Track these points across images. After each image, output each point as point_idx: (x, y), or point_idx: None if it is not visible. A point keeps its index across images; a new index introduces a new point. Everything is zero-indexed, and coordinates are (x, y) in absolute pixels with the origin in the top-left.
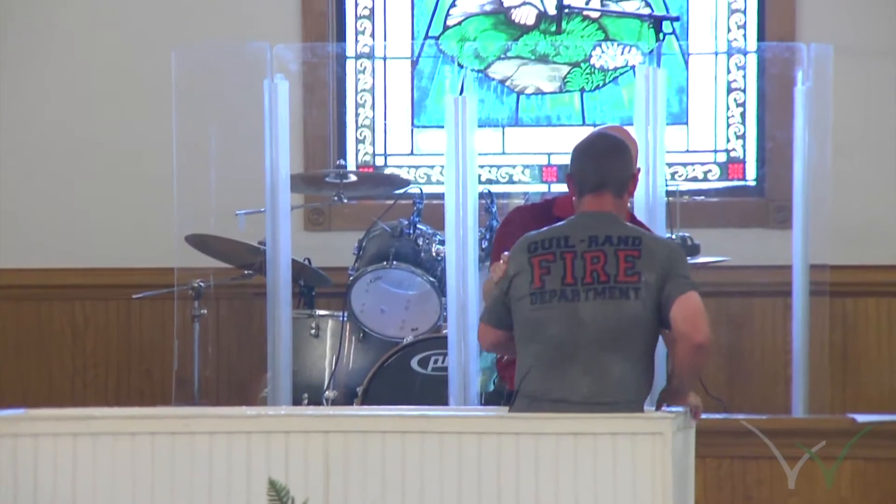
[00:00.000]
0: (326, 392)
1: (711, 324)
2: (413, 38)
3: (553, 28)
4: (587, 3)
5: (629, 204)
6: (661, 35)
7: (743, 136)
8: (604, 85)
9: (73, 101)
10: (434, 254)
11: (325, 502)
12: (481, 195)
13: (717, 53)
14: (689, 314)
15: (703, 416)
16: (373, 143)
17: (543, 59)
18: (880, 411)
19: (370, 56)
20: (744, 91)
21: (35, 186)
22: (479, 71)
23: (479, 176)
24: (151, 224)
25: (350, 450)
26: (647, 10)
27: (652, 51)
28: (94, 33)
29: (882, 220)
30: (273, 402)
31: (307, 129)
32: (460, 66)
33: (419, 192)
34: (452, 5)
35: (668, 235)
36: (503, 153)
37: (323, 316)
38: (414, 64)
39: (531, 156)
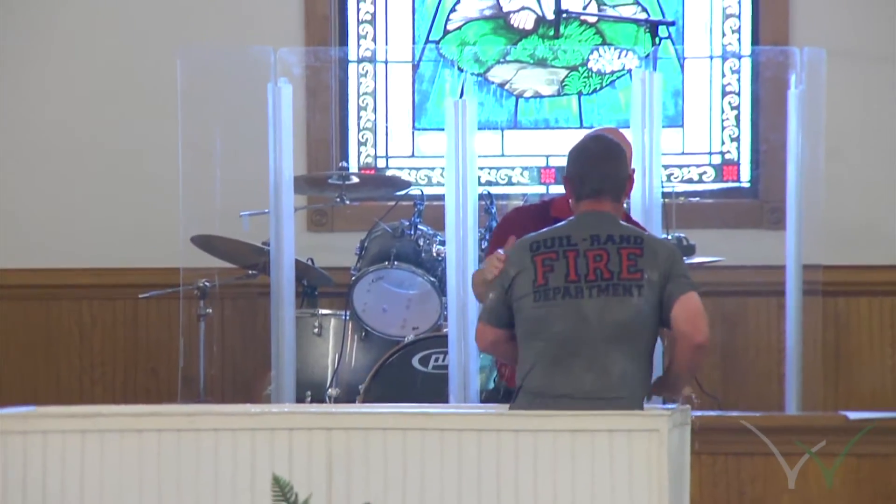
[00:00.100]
0: (329, 390)
1: None
2: (414, 43)
3: (551, 32)
4: (585, 8)
5: (626, 205)
6: (657, 39)
7: (737, 139)
8: (601, 88)
9: (81, 105)
10: (434, 254)
11: (327, 498)
12: (481, 196)
13: (711, 57)
14: (690, 315)
15: (699, 413)
16: (374, 146)
17: (542, 62)
18: (872, 408)
19: (372, 60)
20: (738, 94)
21: (43, 188)
22: (478, 75)
23: (479, 178)
24: (157, 225)
25: (352, 446)
26: (643, 15)
27: (648, 55)
28: (100, 37)
29: (874, 221)
30: (277, 400)
31: (310, 131)
32: (460, 69)
33: (420, 193)
34: (452, 10)
35: (664, 236)
36: (502, 155)
37: (326, 315)
38: (415, 68)
39: (530, 158)
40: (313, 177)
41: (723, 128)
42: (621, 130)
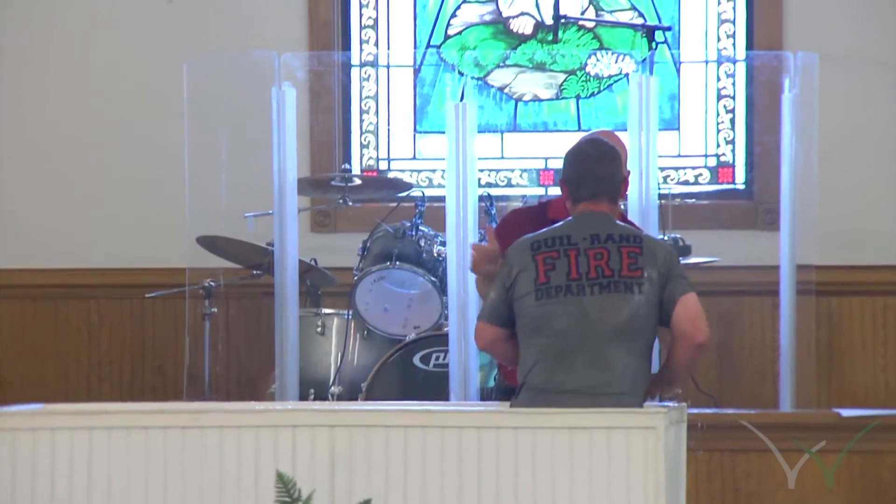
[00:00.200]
0: (332, 388)
1: None
2: (415, 47)
3: (550, 37)
4: (583, 14)
5: (622, 206)
6: (653, 44)
7: (732, 142)
8: (599, 92)
9: (90, 110)
10: (435, 254)
11: (330, 494)
12: (481, 198)
13: (707, 62)
14: (691, 315)
15: (695, 410)
16: (376, 148)
17: (541, 67)
18: (864, 406)
19: (374, 64)
20: (733, 98)
21: (52, 192)
22: (478, 79)
23: (479, 179)
24: (164, 226)
25: (355, 443)
26: (640, 21)
27: (645, 59)
28: (107, 43)
29: (867, 223)
30: (280, 398)
31: (313, 134)
32: (461, 73)
33: (421, 195)
34: (453, 15)
35: (661, 237)
36: (502, 158)
37: (329, 314)
38: (416, 72)
39: (529, 160)
40: (317, 179)
41: (718, 131)
42: (618, 133)
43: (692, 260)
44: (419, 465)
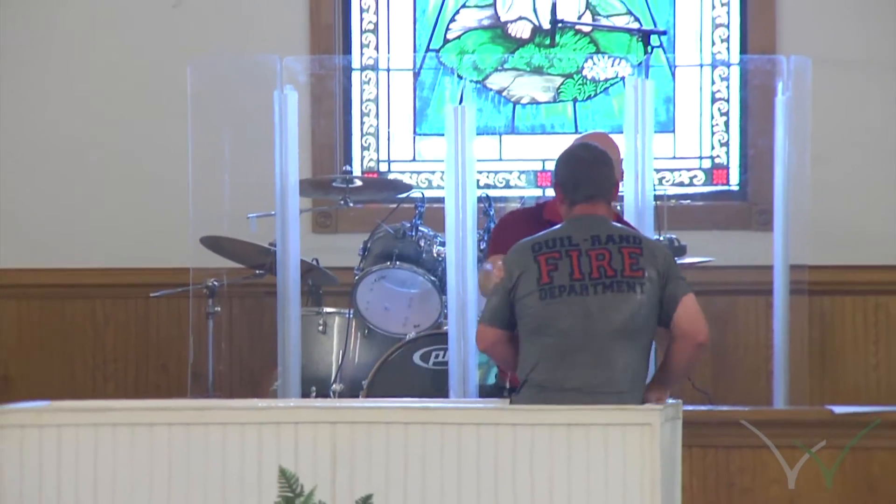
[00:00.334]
0: (333, 385)
1: None
2: (415, 51)
3: (547, 41)
4: (579, 18)
5: (618, 207)
6: (649, 48)
7: (726, 144)
8: (595, 95)
9: (95, 113)
10: (435, 254)
11: (332, 489)
12: (480, 199)
13: (702, 65)
14: (692, 315)
15: (690, 407)
16: (377, 150)
17: (538, 70)
18: (856, 403)
19: (374, 68)
20: (727, 101)
21: (59, 193)
22: (477, 82)
23: (478, 181)
24: (168, 227)
25: (356, 439)
26: (635, 25)
27: (640, 63)
28: (112, 46)
29: (859, 223)
30: (283, 395)
31: (315, 136)
32: (459, 77)
33: (421, 196)
34: (452, 20)
35: (657, 237)
36: (500, 160)
37: (330, 313)
38: (416, 75)
39: (527, 162)
40: (318, 180)
41: (712, 133)
42: (614, 135)
43: (687, 260)
44: (419, 460)
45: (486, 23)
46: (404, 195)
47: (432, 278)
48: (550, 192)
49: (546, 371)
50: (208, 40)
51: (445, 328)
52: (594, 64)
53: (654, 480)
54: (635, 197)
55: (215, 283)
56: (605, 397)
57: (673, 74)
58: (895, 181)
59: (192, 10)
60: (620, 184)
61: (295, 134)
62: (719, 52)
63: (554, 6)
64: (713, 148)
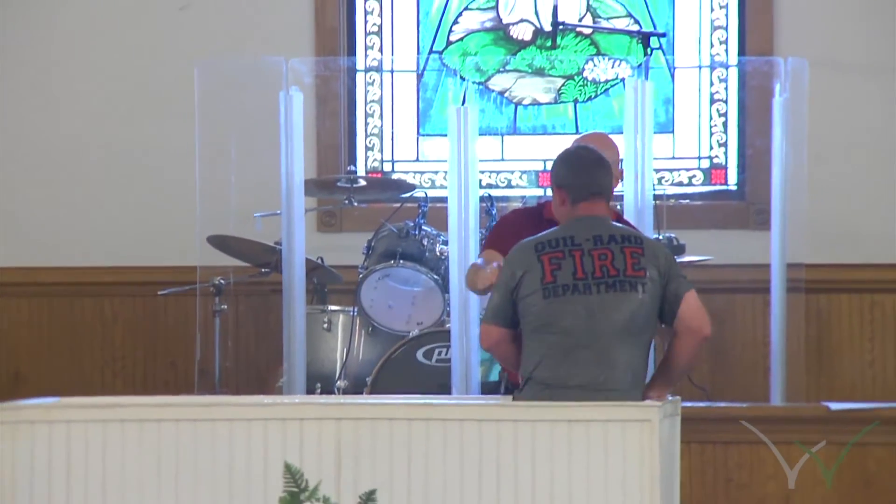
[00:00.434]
0: (338, 382)
1: None
2: (418, 53)
3: (549, 43)
4: (580, 21)
5: (618, 207)
6: (648, 50)
7: (725, 144)
8: (596, 96)
9: (104, 115)
10: (438, 253)
11: (336, 484)
12: (482, 199)
13: (700, 67)
14: (696, 311)
15: (688, 404)
16: (381, 151)
17: (540, 72)
18: (852, 400)
19: (378, 69)
20: (726, 102)
21: (68, 193)
22: (479, 83)
23: (480, 181)
24: (175, 226)
25: (360, 435)
26: (635, 27)
27: (640, 64)
28: (121, 50)
29: (855, 222)
30: (288, 392)
31: (320, 137)
32: (462, 78)
33: (424, 195)
34: (455, 22)
35: (656, 236)
36: (502, 160)
37: (335, 311)
38: (419, 77)
39: (528, 162)
40: (323, 180)
41: (711, 134)
42: (614, 136)
43: (686, 258)
44: (422, 456)
45: (488, 25)
46: (408, 195)
47: (435, 277)
48: (551, 192)
49: (549, 368)
50: (215, 43)
51: (448, 326)
52: (595, 65)
53: (654, 476)
54: (635, 196)
55: (222, 281)
56: (608, 394)
57: (672, 76)
58: (891, 181)
59: (199, 13)
60: (620, 183)
61: (300, 134)
62: (718, 54)
63: (555, 9)
64: (712, 148)
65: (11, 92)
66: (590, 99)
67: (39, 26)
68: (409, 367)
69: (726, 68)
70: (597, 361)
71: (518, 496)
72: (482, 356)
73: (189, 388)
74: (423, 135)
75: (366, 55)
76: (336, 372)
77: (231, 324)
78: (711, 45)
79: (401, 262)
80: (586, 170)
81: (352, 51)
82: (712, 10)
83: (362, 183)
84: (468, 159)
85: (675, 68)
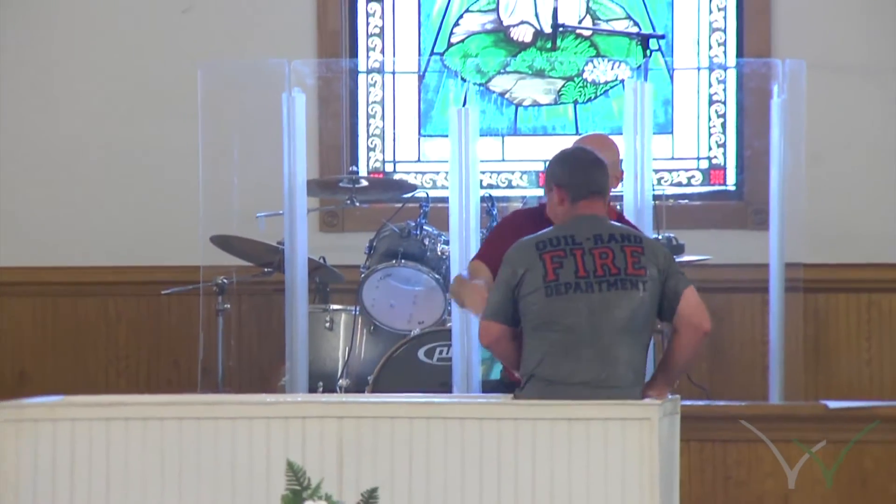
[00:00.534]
0: (340, 380)
1: None
2: (420, 55)
3: (549, 45)
4: (580, 23)
5: (619, 207)
6: (648, 51)
7: (723, 145)
8: (595, 97)
9: (109, 116)
10: (439, 253)
11: (338, 482)
12: (483, 199)
13: (699, 68)
14: (696, 307)
15: (688, 402)
16: (382, 151)
17: (540, 73)
18: (849, 398)
19: (380, 71)
20: (724, 103)
21: (73, 193)
22: (480, 84)
23: (481, 181)
24: (179, 226)
25: (362, 434)
26: (635, 29)
27: (640, 66)
28: (125, 52)
29: (852, 222)
30: (291, 390)
31: (322, 138)
32: (463, 80)
33: (425, 196)
34: (456, 24)
35: (655, 236)
36: (503, 160)
37: (337, 310)
38: (420, 78)
39: (529, 163)
40: (325, 180)
41: (710, 134)
42: (614, 137)
43: (685, 258)
44: (424, 454)
45: (489, 27)
46: (409, 195)
47: (436, 276)
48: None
49: (552, 366)
50: (217, 44)
51: (449, 325)
52: (594, 67)
53: (653, 474)
54: (634, 196)
55: (225, 280)
56: (610, 391)
57: (671, 77)
58: (889, 181)
59: (202, 15)
60: (620, 183)
61: (303, 135)
62: (716, 56)
63: (555, 11)
64: (710, 149)
65: (12, 92)
66: (590, 100)
67: (39, 26)
68: (410, 365)
69: (725, 70)
70: (599, 359)
71: (519, 494)
72: (483, 355)
73: (192, 386)
74: (425, 136)
75: (367, 57)
76: (338, 371)
77: (234, 323)
78: (710, 47)
79: (402, 261)
80: (585, 169)
81: (354, 53)
82: (711, 12)
83: (364, 183)
84: (469, 160)
85: (674, 70)
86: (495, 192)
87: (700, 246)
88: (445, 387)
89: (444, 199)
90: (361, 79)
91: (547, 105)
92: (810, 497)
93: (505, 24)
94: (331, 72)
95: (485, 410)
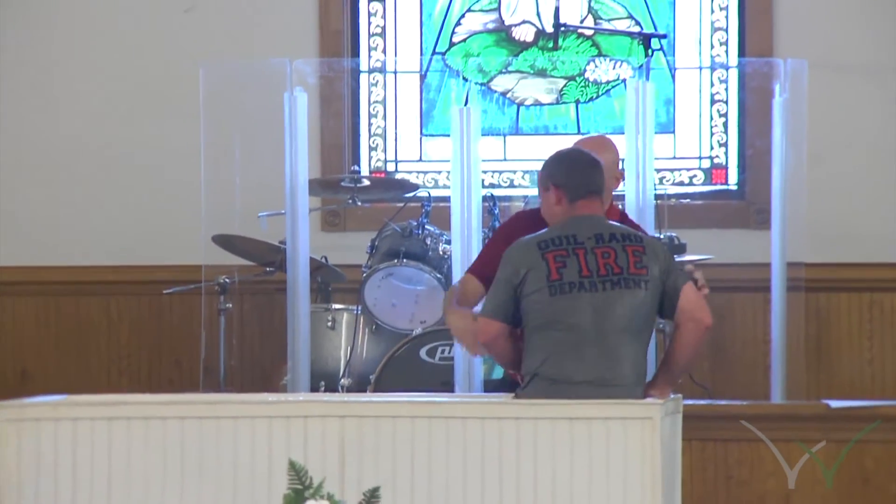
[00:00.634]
0: (342, 380)
1: None
2: (421, 54)
3: (550, 45)
4: (582, 22)
5: (621, 206)
6: (649, 51)
7: (725, 144)
8: (597, 97)
9: (111, 116)
10: (441, 252)
11: (340, 481)
12: (484, 198)
13: (701, 68)
14: (696, 302)
15: (690, 401)
16: (384, 151)
17: (541, 73)
18: (851, 397)
19: (382, 70)
20: (726, 103)
21: (75, 193)
22: (482, 84)
23: (483, 181)
24: (181, 225)
25: (364, 433)
26: (636, 29)
27: (641, 65)
28: (128, 52)
29: (854, 222)
30: (293, 389)
31: (324, 137)
32: (465, 79)
33: (427, 195)
34: (458, 24)
35: (657, 235)
36: (504, 160)
37: (338, 310)
38: (422, 78)
39: (530, 162)
40: (327, 180)
41: (711, 134)
42: (616, 136)
43: (687, 258)
44: (425, 453)
45: (490, 26)
46: (411, 194)
47: (438, 275)
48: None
49: (556, 365)
50: (219, 44)
51: None
52: (596, 66)
53: (655, 473)
54: (636, 196)
55: (227, 280)
56: (613, 390)
57: (673, 77)
58: (890, 181)
59: (204, 15)
60: (621, 184)
61: (304, 135)
62: (718, 56)
63: (557, 10)
64: (712, 148)
65: (12, 92)
66: (591, 100)
67: (39, 26)
68: (412, 365)
69: (727, 69)
70: (603, 358)
71: (520, 493)
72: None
73: (194, 386)
74: (427, 135)
75: (369, 56)
76: (340, 370)
77: (236, 322)
78: (712, 47)
79: (404, 261)
80: (583, 169)
81: (355, 52)
82: (713, 11)
83: (366, 183)
84: (471, 159)
85: (675, 69)
86: (497, 192)
87: (702, 245)
88: (447, 386)
89: (446, 199)
90: (363, 78)
91: (549, 104)
92: (810, 497)
93: (507, 23)
94: (332, 71)
95: (487, 410)
